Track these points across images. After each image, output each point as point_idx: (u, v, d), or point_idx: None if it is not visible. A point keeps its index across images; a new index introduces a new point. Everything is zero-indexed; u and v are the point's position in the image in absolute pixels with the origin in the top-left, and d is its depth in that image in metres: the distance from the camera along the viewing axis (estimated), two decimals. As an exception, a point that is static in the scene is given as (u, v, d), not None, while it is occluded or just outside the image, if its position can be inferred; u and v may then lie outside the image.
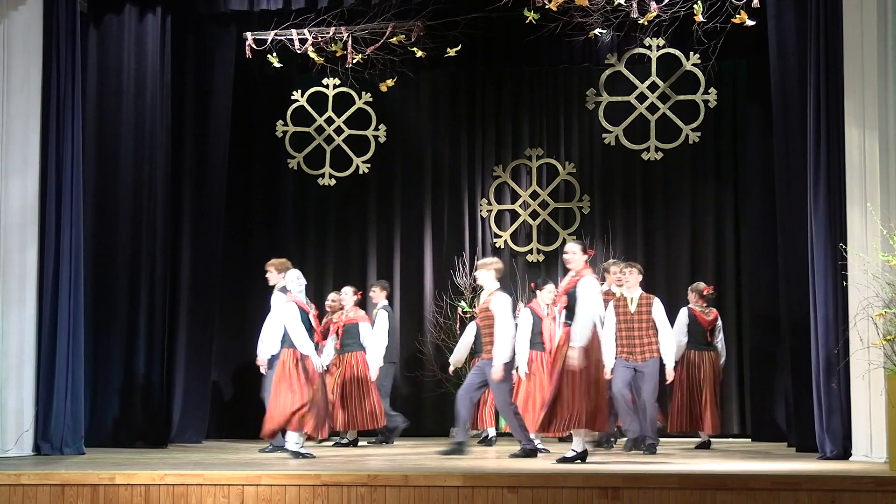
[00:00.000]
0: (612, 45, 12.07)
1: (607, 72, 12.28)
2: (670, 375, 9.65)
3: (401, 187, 13.01)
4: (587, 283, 8.23)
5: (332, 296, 10.84)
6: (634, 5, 9.81)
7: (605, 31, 10.90)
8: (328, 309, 10.73)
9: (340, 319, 10.48)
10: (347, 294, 10.61)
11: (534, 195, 12.80)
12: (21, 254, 9.31)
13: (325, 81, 12.63)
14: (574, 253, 8.34)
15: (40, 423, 9.28)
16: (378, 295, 10.91)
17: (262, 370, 10.01)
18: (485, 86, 12.97)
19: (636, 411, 9.36)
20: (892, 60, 8.34)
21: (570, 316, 8.19)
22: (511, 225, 12.85)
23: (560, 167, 12.77)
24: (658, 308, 9.43)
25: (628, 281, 9.41)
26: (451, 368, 11.22)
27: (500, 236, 12.76)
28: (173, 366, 10.90)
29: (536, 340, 9.63)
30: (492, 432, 10.77)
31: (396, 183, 13.03)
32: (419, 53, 11.26)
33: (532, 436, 9.14)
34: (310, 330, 8.79)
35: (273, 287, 9.86)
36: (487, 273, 9.10)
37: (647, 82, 12.15)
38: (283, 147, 12.86)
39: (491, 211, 12.84)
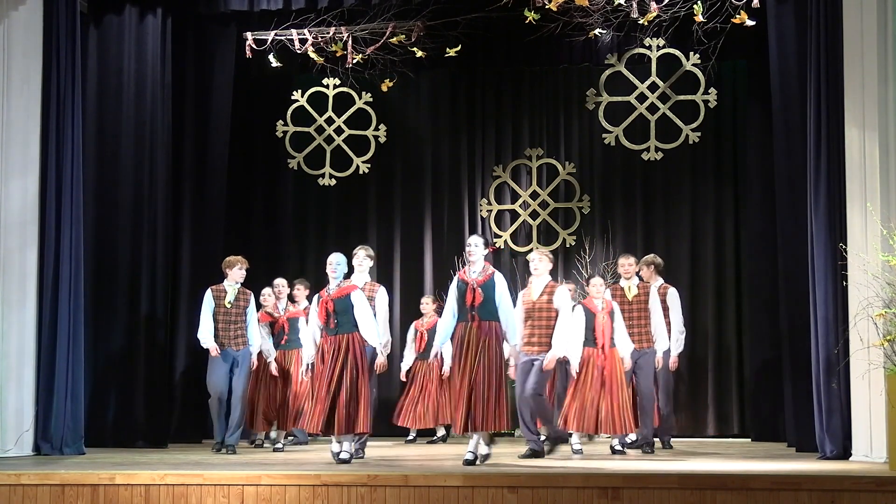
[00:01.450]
0: (612, 45, 12.07)
1: (607, 72, 12.28)
2: (572, 369, 9.07)
3: (401, 187, 13.01)
4: (503, 279, 8.20)
5: (266, 290, 10.53)
6: (634, 5, 9.82)
7: (605, 31, 10.90)
8: (263, 303, 10.44)
9: (278, 313, 10.35)
10: (283, 286, 10.49)
11: (534, 195, 12.80)
12: (21, 254, 9.31)
13: (325, 81, 12.63)
14: (477, 246, 8.17)
15: (40, 423, 9.28)
16: (302, 293, 10.67)
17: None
18: (485, 86, 12.97)
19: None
20: (892, 60, 8.34)
21: (487, 310, 8.04)
22: (511, 225, 12.85)
23: (560, 167, 12.77)
24: (560, 296, 8.76)
25: (537, 269, 8.89)
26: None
27: (500, 236, 12.76)
28: (173, 366, 10.90)
29: (590, 337, 9.19)
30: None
31: (396, 183, 13.03)
32: (419, 53, 11.26)
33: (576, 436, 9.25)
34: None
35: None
36: (369, 263, 9.02)
37: (647, 82, 12.15)
38: (283, 147, 12.86)
39: (491, 211, 12.84)
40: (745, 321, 12.06)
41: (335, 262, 8.49)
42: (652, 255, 10.53)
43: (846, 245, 8.30)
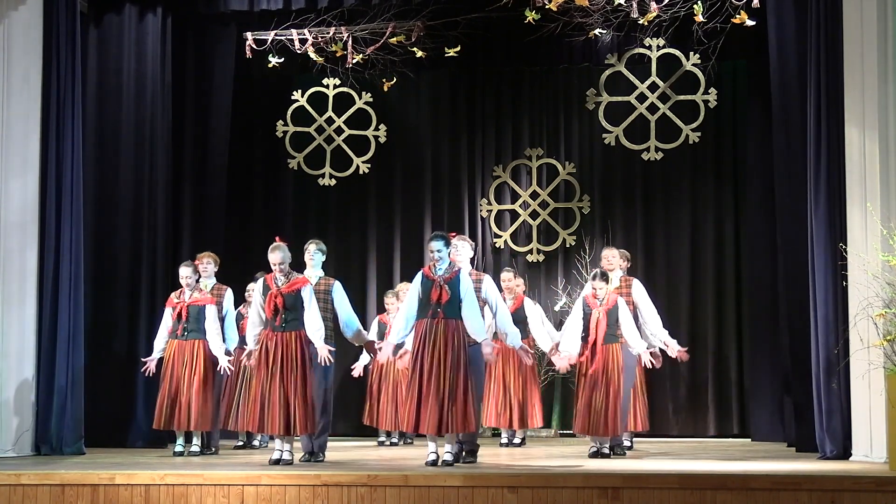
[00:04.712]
0: (612, 45, 12.07)
1: (607, 72, 12.28)
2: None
3: (401, 187, 13.00)
4: (467, 276, 8.13)
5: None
6: (634, 5, 9.82)
7: (605, 31, 10.90)
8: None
9: (183, 300, 9.37)
10: (189, 275, 9.41)
11: (534, 195, 12.79)
12: (21, 254, 9.32)
13: (325, 81, 12.63)
14: (440, 250, 8.03)
15: (40, 423, 9.29)
16: (211, 268, 9.69)
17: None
18: (485, 86, 12.95)
19: None
20: (892, 60, 8.35)
21: (453, 307, 7.94)
22: (511, 225, 12.84)
23: (560, 167, 12.76)
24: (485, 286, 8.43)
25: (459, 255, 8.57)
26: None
27: (500, 236, 12.76)
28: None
29: (585, 333, 8.87)
30: (519, 435, 10.53)
31: (396, 183, 13.02)
32: (419, 53, 11.27)
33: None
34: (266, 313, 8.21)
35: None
36: (321, 257, 8.83)
37: (647, 82, 12.15)
38: (283, 147, 12.87)
39: (491, 211, 12.84)
40: (745, 321, 12.05)
41: (279, 263, 8.27)
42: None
43: (846, 245, 8.30)
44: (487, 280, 8.44)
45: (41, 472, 7.29)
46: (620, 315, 8.82)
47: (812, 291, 8.71)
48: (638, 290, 9.30)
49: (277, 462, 8.04)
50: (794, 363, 9.48)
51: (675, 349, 9.20)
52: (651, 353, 8.97)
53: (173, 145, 11.02)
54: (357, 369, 10.80)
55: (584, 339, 8.79)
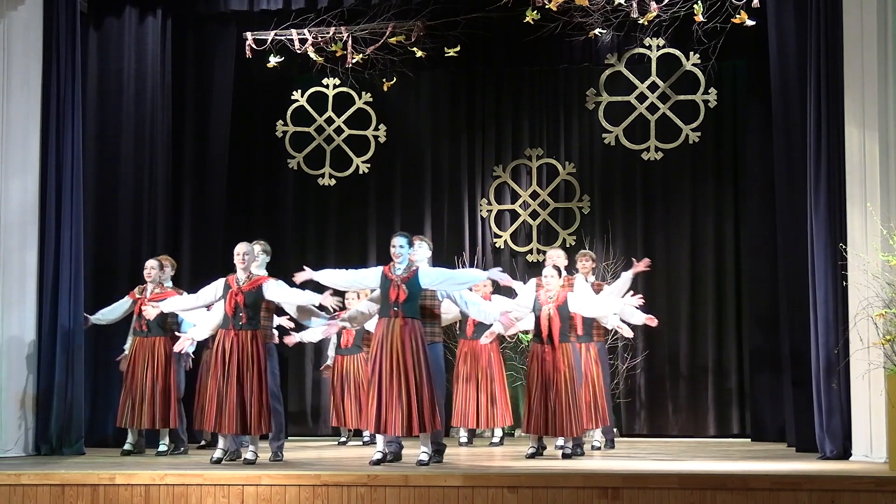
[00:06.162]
0: (612, 45, 12.07)
1: (607, 72, 12.28)
2: None
3: (401, 187, 13.00)
4: (426, 268, 8.20)
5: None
6: (634, 5, 9.81)
7: (605, 31, 10.89)
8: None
9: (144, 296, 9.42)
10: (153, 268, 9.49)
11: (534, 195, 12.79)
12: (21, 254, 9.33)
13: (325, 81, 12.63)
14: (402, 246, 8.09)
15: (40, 423, 9.29)
16: (168, 272, 9.69)
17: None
18: (485, 86, 12.95)
19: None
20: (892, 60, 8.35)
21: (411, 307, 8.00)
22: (511, 225, 12.84)
23: (560, 167, 12.76)
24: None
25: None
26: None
27: (500, 236, 12.76)
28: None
29: (536, 331, 8.81)
30: (498, 433, 10.61)
31: (396, 183, 13.02)
32: (419, 53, 11.26)
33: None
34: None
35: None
36: (265, 258, 8.77)
37: (647, 82, 12.15)
38: (283, 147, 12.86)
39: (491, 211, 12.84)
40: (744, 321, 12.05)
41: (244, 253, 8.32)
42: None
43: (846, 245, 8.31)
44: None
45: (41, 472, 7.30)
46: (573, 304, 8.76)
47: (812, 291, 8.71)
48: (580, 285, 9.30)
49: (252, 462, 8.06)
50: (794, 363, 9.48)
51: (625, 335, 9.39)
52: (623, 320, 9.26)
53: (173, 145, 11.03)
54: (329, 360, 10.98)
55: (537, 336, 8.74)
